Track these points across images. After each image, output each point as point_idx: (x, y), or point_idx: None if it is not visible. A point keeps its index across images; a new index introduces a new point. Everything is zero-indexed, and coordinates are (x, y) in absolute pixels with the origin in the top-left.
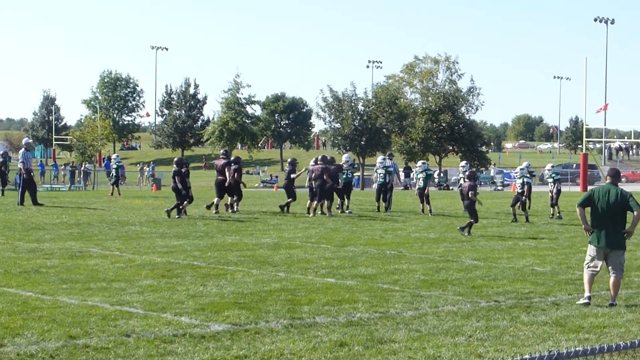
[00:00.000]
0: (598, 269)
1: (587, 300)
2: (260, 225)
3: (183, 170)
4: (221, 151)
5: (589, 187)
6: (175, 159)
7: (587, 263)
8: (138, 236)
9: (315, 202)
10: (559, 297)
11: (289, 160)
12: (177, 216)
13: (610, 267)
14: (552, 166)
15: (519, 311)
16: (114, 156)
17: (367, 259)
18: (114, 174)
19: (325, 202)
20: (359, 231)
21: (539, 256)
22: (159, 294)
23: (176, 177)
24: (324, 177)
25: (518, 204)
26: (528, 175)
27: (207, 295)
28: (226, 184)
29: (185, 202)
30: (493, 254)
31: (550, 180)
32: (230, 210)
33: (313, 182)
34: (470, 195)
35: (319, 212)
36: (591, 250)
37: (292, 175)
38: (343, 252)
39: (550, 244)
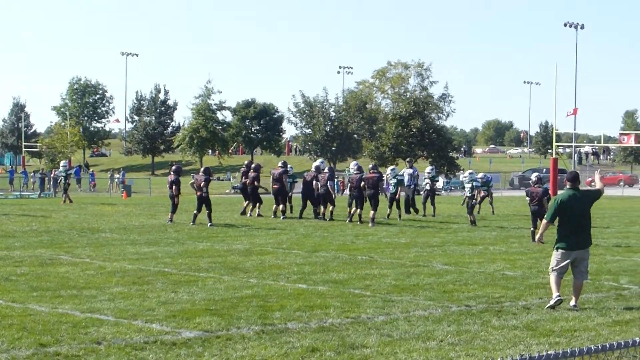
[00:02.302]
0: (564, 271)
1: (558, 299)
2: (232, 231)
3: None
4: (280, 163)
5: (559, 191)
6: (203, 169)
7: (553, 267)
8: (108, 243)
9: (359, 209)
10: (530, 301)
11: (253, 165)
12: (209, 224)
13: (575, 271)
14: (471, 172)
15: (490, 315)
16: (62, 163)
17: (339, 264)
18: (63, 182)
19: (372, 211)
20: (330, 237)
21: (510, 260)
22: (129, 301)
23: (256, 182)
24: (376, 185)
25: (473, 207)
26: (478, 180)
27: (178, 302)
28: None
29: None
30: (464, 259)
31: (469, 186)
32: (251, 215)
33: (363, 190)
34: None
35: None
36: (559, 254)
37: (256, 183)
38: (314, 258)
39: (521, 248)
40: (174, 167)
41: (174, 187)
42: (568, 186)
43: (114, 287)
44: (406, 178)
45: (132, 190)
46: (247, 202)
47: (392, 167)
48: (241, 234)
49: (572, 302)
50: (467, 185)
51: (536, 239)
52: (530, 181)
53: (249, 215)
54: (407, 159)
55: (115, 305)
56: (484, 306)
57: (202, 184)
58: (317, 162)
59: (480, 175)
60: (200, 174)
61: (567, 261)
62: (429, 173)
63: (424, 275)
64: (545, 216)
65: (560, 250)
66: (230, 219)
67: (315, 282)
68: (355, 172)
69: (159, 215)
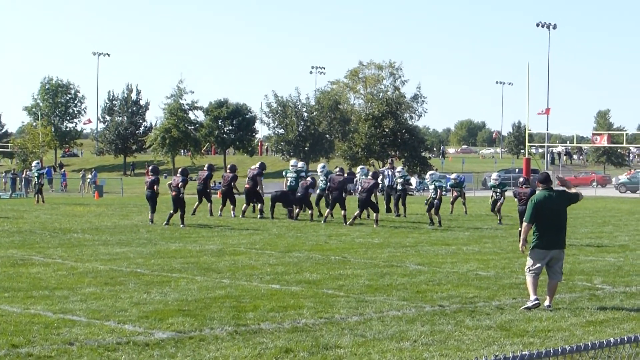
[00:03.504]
0: (540, 272)
1: (536, 302)
2: (204, 232)
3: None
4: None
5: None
6: (181, 170)
7: (530, 267)
8: (80, 244)
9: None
10: (503, 302)
11: (230, 166)
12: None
13: (550, 271)
14: (432, 173)
15: (464, 315)
16: (34, 164)
17: (312, 264)
18: (36, 182)
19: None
20: (303, 237)
21: (483, 261)
22: (102, 301)
23: (232, 182)
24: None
25: (432, 208)
26: (440, 180)
27: (150, 302)
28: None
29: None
30: (437, 259)
31: (432, 187)
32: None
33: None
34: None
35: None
36: (535, 253)
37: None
38: (288, 258)
39: (494, 248)
40: (151, 167)
41: (155, 186)
42: (540, 187)
43: (86, 287)
44: (396, 176)
45: (104, 191)
46: (198, 203)
47: (431, 172)
48: (214, 235)
49: (547, 303)
50: (431, 187)
51: (520, 247)
52: (518, 182)
53: (219, 214)
54: (389, 160)
55: (87, 306)
56: (457, 306)
57: (179, 184)
58: (292, 162)
59: (453, 175)
60: (178, 175)
61: (544, 261)
62: (399, 172)
63: (397, 275)
64: (524, 219)
65: (536, 250)
66: (203, 219)
67: (289, 283)
68: (337, 173)
69: (131, 216)
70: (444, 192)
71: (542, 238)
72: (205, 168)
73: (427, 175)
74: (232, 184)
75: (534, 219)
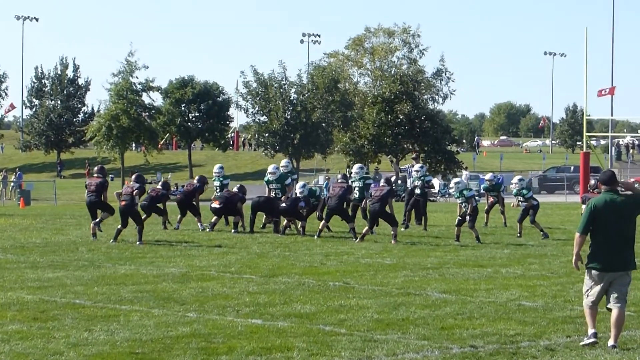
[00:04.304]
0: (600, 298)
1: (593, 339)
2: (163, 250)
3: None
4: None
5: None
6: (136, 175)
7: (585, 291)
8: (1, 266)
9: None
10: (554, 341)
11: (198, 178)
12: (138, 242)
13: (612, 297)
14: (457, 182)
15: (502, 359)
16: None
17: (304, 292)
18: None
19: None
20: (292, 256)
21: (528, 287)
22: (30, 342)
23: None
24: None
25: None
26: (471, 189)
27: (93, 343)
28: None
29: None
30: (467, 285)
31: (460, 200)
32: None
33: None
34: None
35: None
36: (590, 276)
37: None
38: (272, 285)
39: (542, 271)
40: (98, 167)
41: (102, 192)
42: (604, 189)
43: (9, 324)
44: (413, 177)
45: (32, 197)
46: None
47: (456, 180)
48: (176, 254)
49: (610, 342)
50: (459, 200)
51: (573, 262)
52: (588, 185)
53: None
54: (414, 155)
55: (11, 348)
56: (494, 347)
57: (134, 192)
58: (283, 164)
59: (488, 176)
60: (133, 180)
61: (601, 285)
62: (417, 172)
63: (415, 306)
64: (577, 228)
65: (591, 270)
66: (162, 234)
67: (274, 317)
68: (340, 180)
69: (67, 230)
70: (477, 198)
71: (599, 256)
72: (195, 180)
73: (452, 185)
74: (197, 195)
75: (588, 230)
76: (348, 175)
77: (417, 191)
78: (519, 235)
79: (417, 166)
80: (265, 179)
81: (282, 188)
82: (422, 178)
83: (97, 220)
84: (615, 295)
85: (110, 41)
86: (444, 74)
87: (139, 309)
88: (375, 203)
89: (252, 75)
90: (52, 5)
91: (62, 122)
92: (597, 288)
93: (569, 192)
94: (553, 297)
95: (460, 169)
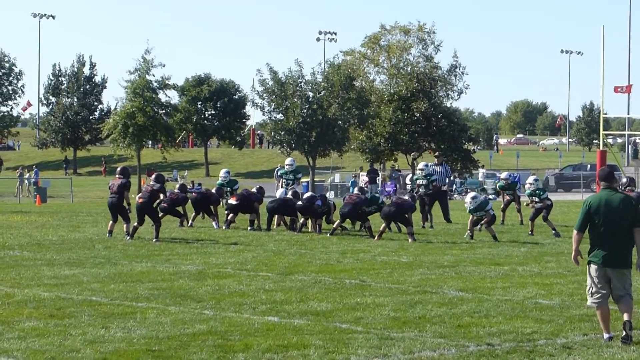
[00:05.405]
0: (605, 296)
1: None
2: (180, 248)
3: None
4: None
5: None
6: (155, 175)
7: (589, 289)
8: (18, 264)
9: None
10: (571, 339)
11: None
12: (155, 239)
13: (615, 294)
14: (474, 197)
15: (519, 357)
16: None
17: (320, 290)
18: None
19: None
20: (309, 254)
21: (545, 285)
22: (46, 339)
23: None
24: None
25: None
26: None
27: (110, 340)
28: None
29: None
30: (484, 283)
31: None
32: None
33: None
34: None
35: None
36: (591, 271)
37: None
38: (289, 282)
39: (559, 269)
40: (119, 169)
41: (124, 192)
42: (602, 186)
43: (26, 321)
44: (417, 175)
45: (48, 195)
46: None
47: (507, 173)
48: (192, 252)
49: (626, 317)
50: (475, 214)
51: (572, 258)
52: (620, 184)
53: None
54: (436, 153)
55: (27, 346)
56: (511, 345)
57: (155, 191)
58: (288, 161)
59: (504, 174)
60: (152, 180)
61: (602, 281)
62: (421, 171)
63: (432, 304)
64: (574, 226)
65: (592, 266)
66: (178, 231)
67: (290, 314)
68: (355, 193)
69: (83, 227)
70: (491, 196)
71: (597, 251)
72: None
73: (468, 200)
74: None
75: (584, 227)
76: (366, 189)
77: (421, 190)
78: (530, 232)
79: (421, 164)
80: (281, 171)
81: (294, 180)
82: (427, 177)
83: (131, 232)
84: (619, 294)
85: (126, 39)
86: (457, 69)
87: (156, 306)
88: (392, 207)
89: (268, 73)
90: (68, 2)
91: (79, 119)
92: (600, 285)
93: (585, 190)
94: (570, 295)
95: (477, 168)
